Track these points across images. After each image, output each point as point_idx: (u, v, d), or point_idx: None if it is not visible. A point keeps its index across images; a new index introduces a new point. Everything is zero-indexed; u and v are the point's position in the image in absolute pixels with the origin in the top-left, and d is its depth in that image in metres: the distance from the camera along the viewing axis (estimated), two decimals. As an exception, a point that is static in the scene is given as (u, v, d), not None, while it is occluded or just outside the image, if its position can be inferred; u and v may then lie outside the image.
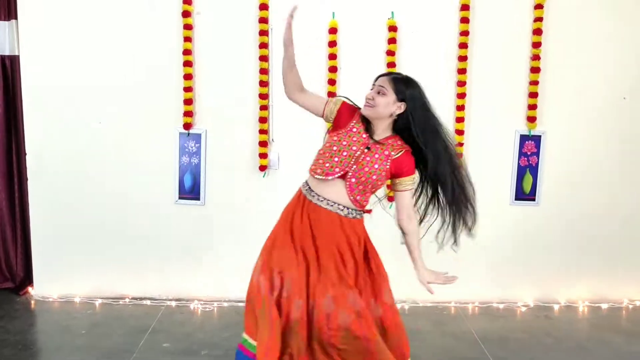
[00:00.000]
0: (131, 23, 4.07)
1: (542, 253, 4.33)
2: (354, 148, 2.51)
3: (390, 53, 4.08)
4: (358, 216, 2.60)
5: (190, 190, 4.22)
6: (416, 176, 2.62)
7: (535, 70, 4.08)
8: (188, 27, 4.04)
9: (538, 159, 4.20)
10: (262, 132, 4.13)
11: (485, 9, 4.07)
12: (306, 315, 2.45)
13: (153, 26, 4.07)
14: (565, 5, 4.08)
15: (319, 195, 2.54)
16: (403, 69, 4.08)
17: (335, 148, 2.52)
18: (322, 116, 2.64)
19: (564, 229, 4.32)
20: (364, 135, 2.53)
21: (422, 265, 2.75)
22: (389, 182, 2.65)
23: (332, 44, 4.06)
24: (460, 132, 4.13)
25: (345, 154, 2.50)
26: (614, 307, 4.34)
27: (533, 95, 4.11)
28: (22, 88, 4.12)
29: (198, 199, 4.23)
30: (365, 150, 2.50)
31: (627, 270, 4.38)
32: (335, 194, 2.52)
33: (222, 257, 4.28)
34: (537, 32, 4.04)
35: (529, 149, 4.20)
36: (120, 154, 4.17)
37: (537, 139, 4.19)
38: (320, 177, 2.51)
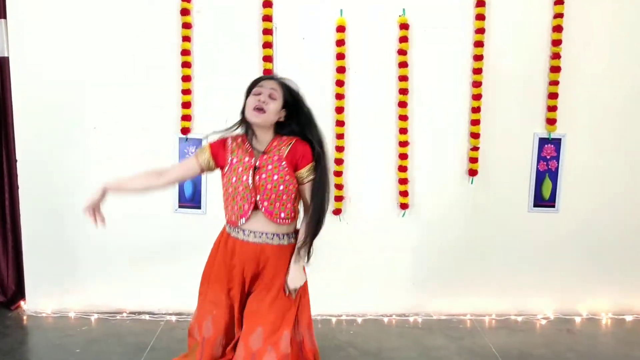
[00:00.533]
0: (127, 22, 3.85)
1: (562, 262, 4.11)
2: (244, 178, 2.39)
3: (402, 52, 3.86)
4: (291, 239, 2.49)
5: (190, 199, 4.01)
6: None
7: (555, 69, 3.86)
8: (187, 25, 3.82)
9: (558, 163, 3.99)
10: None
11: (503, 5, 3.85)
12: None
13: (150, 25, 3.85)
14: (587, 1, 3.85)
15: (244, 230, 2.44)
16: (415, 68, 3.90)
17: (230, 190, 2.43)
18: (203, 171, 2.52)
19: (585, 237, 4.11)
20: (246, 159, 2.41)
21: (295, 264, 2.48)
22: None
23: (340, 42, 3.84)
24: (475, 136, 3.92)
25: (241, 188, 2.39)
26: (639, 319, 4.12)
27: (553, 96, 3.89)
28: (12, 91, 3.90)
29: (199, 207, 4.02)
30: (257, 171, 2.38)
31: (653, 279, 4.16)
32: (259, 226, 2.43)
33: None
34: (557, 29, 3.82)
35: (548, 152, 3.98)
36: (117, 160, 3.95)
37: (556, 143, 3.97)
38: (239, 222, 2.42)
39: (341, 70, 3.85)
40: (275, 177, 2.37)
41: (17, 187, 4.00)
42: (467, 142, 3.98)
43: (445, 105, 3.94)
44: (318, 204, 2.42)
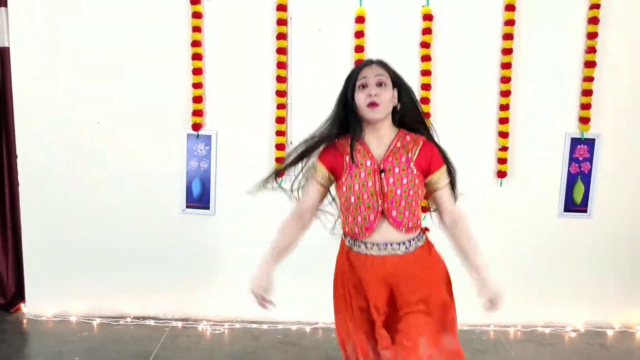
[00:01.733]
0: (133, 10, 3.68)
1: (593, 271, 3.87)
2: (369, 184, 2.12)
3: (425, 45, 3.63)
4: (419, 242, 2.21)
5: (199, 198, 3.82)
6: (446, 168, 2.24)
7: (590, 64, 3.61)
8: (197, 15, 3.63)
9: (591, 165, 3.74)
10: (280, 133, 3.71)
11: (535, -6, 3.60)
12: None
13: (158, 14, 3.67)
14: (626, -10, 3.61)
15: (367, 243, 2.17)
16: (439, 62, 3.70)
17: (353, 199, 2.14)
18: (328, 187, 2.27)
19: (618, 244, 3.86)
20: (368, 162, 2.14)
21: (483, 274, 2.22)
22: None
23: (359, 34, 3.61)
24: (504, 135, 3.68)
25: (366, 196, 2.12)
26: (676, 333, 3.87)
27: (587, 93, 3.64)
28: (12, 83, 3.74)
29: (207, 207, 3.83)
30: (382, 176, 2.12)
31: (690, 291, 3.89)
32: (384, 237, 2.15)
33: (234, 273, 3.81)
34: (593, 20, 3.57)
35: (581, 154, 3.74)
36: (122, 157, 3.79)
37: (590, 143, 3.72)
38: (364, 236, 2.15)
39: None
40: (405, 180, 2.10)
41: (17, 185, 3.84)
42: (495, 142, 3.75)
43: (471, 102, 3.71)
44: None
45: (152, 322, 3.83)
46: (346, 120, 2.20)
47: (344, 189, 2.15)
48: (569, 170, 3.76)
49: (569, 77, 3.68)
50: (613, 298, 3.89)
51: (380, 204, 2.11)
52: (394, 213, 2.11)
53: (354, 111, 2.16)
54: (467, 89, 3.70)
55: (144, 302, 3.90)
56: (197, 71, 3.66)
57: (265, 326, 3.82)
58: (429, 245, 2.28)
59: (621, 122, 3.73)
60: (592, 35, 3.59)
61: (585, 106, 3.66)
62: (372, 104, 2.08)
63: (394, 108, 2.18)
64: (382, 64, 2.20)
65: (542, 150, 3.76)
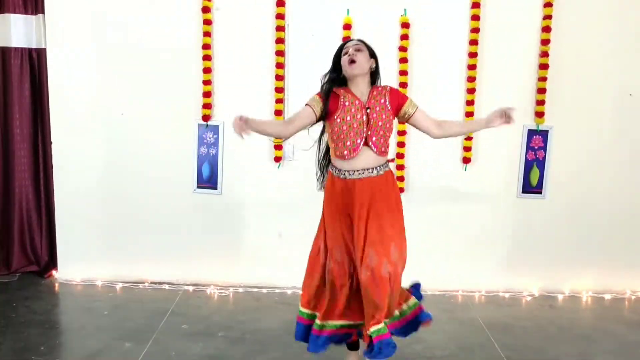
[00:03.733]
0: (153, 18, 4.23)
1: (547, 244, 4.44)
2: (358, 116, 2.83)
3: (403, 49, 4.20)
4: (386, 168, 2.94)
5: (208, 180, 4.37)
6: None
7: (543, 66, 4.19)
8: (207, 22, 4.19)
9: (545, 153, 4.31)
10: None
11: (496, 6, 4.18)
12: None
13: (174, 21, 4.22)
14: (573, 3, 4.17)
15: (349, 171, 2.86)
16: (415, 64, 4.23)
17: (345, 127, 2.83)
18: (318, 119, 2.90)
19: (569, 222, 4.43)
20: (357, 102, 2.85)
21: (482, 118, 3.07)
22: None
23: (347, 39, 4.15)
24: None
25: (355, 125, 2.82)
26: (617, 298, 4.45)
27: (541, 91, 4.22)
28: (48, 80, 4.29)
29: (215, 188, 4.38)
30: (368, 111, 2.84)
31: (630, 261, 4.49)
32: (364, 161, 2.86)
33: (238, 244, 4.44)
34: (546, 29, 4.15)
35: (537, 143, 4.30)
36: (142, 144, 4.33)
37: (544, 134, 4.29)
38: (351, 155, 2.83)
39: None
40: (383, 115, 2.86)
41: (51, 167, 4.39)
42: (461, 133, 4.30)
43: (442, 97, 4.26)
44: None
45: (166, 287, 4.41)
46: (338, 79, 2.93)
47: (338, 120, 2.83)
48: (526, 157, 4.33)
49: (526, 77, 4.25)
50: (564, 268, 4.46)
51: (364, 130, 2.82)
52: (374, 138, 2.84)
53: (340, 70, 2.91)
54: (439, 86, 4.28)
55: (159, 269, 4.46)
56: (207, 70, 4.22)
57: (265, 290, 4.40)
58: (391, 172, 2.99)
59: (570, 116, 4.29)
60: (545, 42, 4.16)
61: (540, 102, 4.23)
62: (351, 61, 2.83)
63: (372, 71, 2.94)
64: (361, 40, 2.97)
65: (502, 139, 4.30)
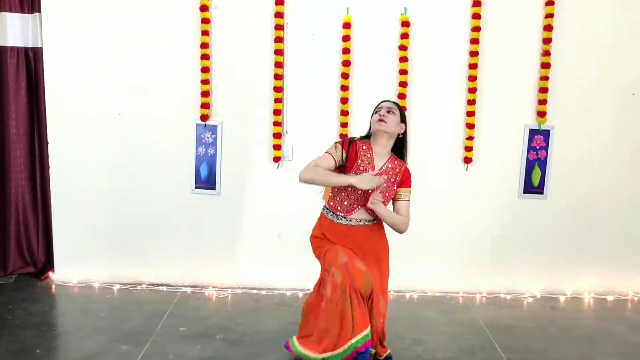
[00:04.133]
0: (151, 17, 4.18)
1: (549, 245, 4.40)
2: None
3: (403, 48, 4.16)
4: (377, 220, 3.08)
5: (206, 180, 4.33)
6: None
7: (545, 65, 4.15)
8: (206, 21, 4.14)
9: (547, 153, 4.27)
10: (276, 124, 4.22)
11: (497, 5, 4.14)
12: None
13: (172, 20, 4.17)
14: (575, 1, 4.14)
15: (347, 217, 3.04)
16: (415, 63, 4.19)
17: (350, 188, 2.95)
18: (336, 166, 2.99)
19: (571, 222, 4.40)
20: (369, 170, 2.96)
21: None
22: None
23: (346, 38, 4.15)
24: (471, 126, 4.21)
25: (360, 192, 2.96)
26: (619, 299, 4.42)
27: (543, 90, 4.18)
28: (45, 79, 4.24)
29: (214, 188, 4.33)
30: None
31: (633, 262, 4.46)
32: (357, 216, 3.05)
33: (236, 245, 4.40)
34: (548, 28, 4.11)
35: (538, 143, 4.27)
36: (139, 144, 4.28)
37: (546, 134, 4.25)
38: (341, 214, 3.03)
39: (346, 63, 4.16)
40: (387, 194, 3.00)
41: (48, 168, 4.34)
42: (463, 132, 4.27)
43: (442, 97, 4.23)
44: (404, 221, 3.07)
45: (164, 288, 4.35)
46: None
47: (352, 173, 2.95)
48: (527, 157, 4.29)
49: (527, 77, 4.21)
50: (565, 268, 4.43)
51: (365, 201, 2.95)
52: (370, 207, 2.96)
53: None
54: (439, 86, 4.24)
55: (157, 270, 4.41)
56: (205, 69, 4.17)
57: (263, 292, 4.36)
58: (382, 224, 3.13)
59: (572, 116, 4.26)
60: (547, 41, 4.13)
61: (542, 102, 4.19)
62: (380, 120, 2.98)
63: (397, 137, 3.08)
64: (395, 103, 3.12)
65: (504, 139, 4.28)
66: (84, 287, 4.38)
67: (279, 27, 4.14)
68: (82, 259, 4.41)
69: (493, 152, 4.29)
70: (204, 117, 4.24)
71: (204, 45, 4.16)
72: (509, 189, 4.36)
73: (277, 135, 4.23)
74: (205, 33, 4.15)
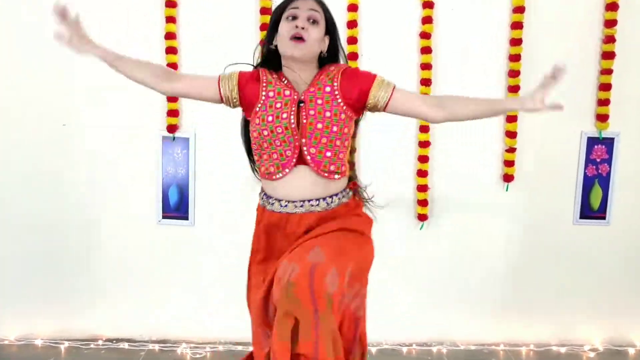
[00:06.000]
0: (103, 4, 3.32)
1: (613, 283, 3.54)
2: (284, 115, 1.93)
3: (425, 35, 3.29)
4: (343, 197, 2.03)
5: (176, 208, 3.47)
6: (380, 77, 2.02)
7: (608, 55, 3.27)
8: (171, 4, 3.28)
9: (610, 167, 3.41)
10: None
11: (546, -23, 3.27)
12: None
13: (127, 2, 3.31)
14: (647, -27, 3.26)
15: (280, 201, 2.00)
16: (440, 55, 3.35)
17: (266, 133, 1.95)
18: (221, 101, 2.07)
19: (640, 254, 3.53)
20: (286, 92, 1.95)
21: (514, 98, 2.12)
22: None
23: (352, 24, 3.27)
24: (512, 135, 3.34)
25: (280, 130, 1.93)
26: None
27: (605, 87, 3.30)
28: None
29: (186, 218, 3.48)
30: (301, 106, 1.93)
31: None
32: (300, 187, 1.97)
33: (216, 289, 3.53)
34: (612, 6, 3.22)
35: (599, 155, 3.40)
36: (90, 163, 3.43)
37: (608, 143, 3.39)
38: (279, 174, 1.96)
39: (353, 57, 3.28)
40: (328, 113, 1.92)
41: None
42: (501, 142, 3.41)
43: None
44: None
45: (126, 345, 3.47)
46: (271, 55, 2.02)
47: (257, 121, 1.96)
48: (585, 173, 3.42)
49: (584, 70, 3.33)
50: (634, 314, 3.55)
51: (296, 138, 1.92)
52: (312, 150, 1.93)
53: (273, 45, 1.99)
54: (471, 83, 3.34)
55: (117, 322, 3.54)
56: (171, 66, 3.28)
57: (251, 347, 3.46)
58: (356, 204, 2.10)
59: (643, 120, 3.39)
60: (610, 23, 3.24)
61: (603, 102, 3.32)
62: (297, 38, 1.89)
63: (320, 54, 1.99)
64: (320, 1, 2.00)
65: (554, 151, 3.42)
66: (23, 345, 3.48)
67: (265, 11, 3.26)
68: (21, 310, 3.53)
69: (541, 167, 3.44)
70: (172, 128, 3.37)
71: (170, 36, 3.29)
72: (562, 214, 3.48)
73: (265, 150, 3.34)
74: (170, 19, 3.29)
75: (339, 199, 2.01)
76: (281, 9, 1.98)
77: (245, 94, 2.00)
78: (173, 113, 3.35)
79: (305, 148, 1.93)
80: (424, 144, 3.36)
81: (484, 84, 3.34)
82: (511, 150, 3.37)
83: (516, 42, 3.27)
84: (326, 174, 1.95)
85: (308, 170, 1.95)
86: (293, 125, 1.92)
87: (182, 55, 3.36)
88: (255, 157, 2.07)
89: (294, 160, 1.94)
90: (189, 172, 3.43)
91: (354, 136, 2.10)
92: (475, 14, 3.32)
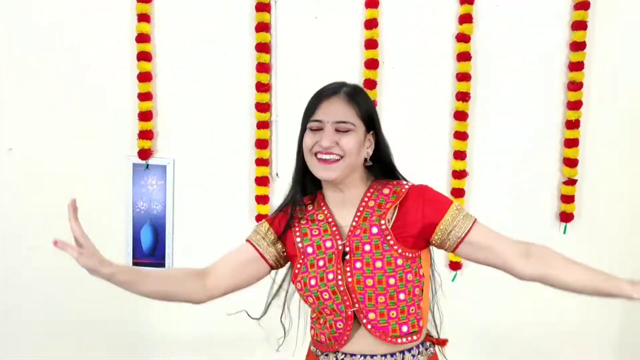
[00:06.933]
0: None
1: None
2: (330, 276, 1.47)
3: (463, 38, 2.67)
4: (421, 356, 1.53)
5: (150, 252, 2.89)
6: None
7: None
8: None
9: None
10: (261, 162, 2.77)
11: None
12: None
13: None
14: None
15: (337, 353, 1.53)
16: (481, 62, 2.73)
17: (311, 299, 1.50)
18: (272, 268, 1.60)
19: None
20: (327, 244, 1.49)
21: (617, 280, 1.50)
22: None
23: (371, 24, 2.66)
24: (572, 163, 2.70)
25: (326, 295, 1.47)
26: None
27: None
28: None
29: (162, 264, 2.87)
30: (347, 259, 1.46)
31: None
32: (366, 346, 1.49)
33: (199, 351, 2.90)
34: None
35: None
36: (43, 196, 2.84)
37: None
38: (331, 346, 1.52)
39: (372, 64, 2.68)
40: (379, 263, 1.44)
41: None
42: (558, 173, 2.77)
43: (525, 118, 2.75)
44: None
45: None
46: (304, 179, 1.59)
47: (299, 285, 1.52)
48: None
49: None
50: None
51: (348, 304, 1.46)
52: (371, 316, 1.46)
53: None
54: (520, 99, 2.74)
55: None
56: (144, 76, 2.73)
57: None
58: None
59: None
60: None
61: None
62: (324, 159, 1.46)
63: (365, 160, 1.54)
64: (351, 96, 1.50)
65: (624, 183, 2.78)
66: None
67: (261, 7, 2.68)
68: None
69: (604, 204, 2.79)
70: (145, 154, 2.77)
71: (142, 38, 2.70)
72: (632, 260, 2.79)
73: (262, 181, 2.77)
74: (143, 17, 2.73)
75: (412, 356, 1.50)
76: (305, 116, 1.54)
77: (286, 246, 1.58)
78: (146, 134, 2.76)
79: (361, 315, 1.46)
80: (459, 175, 2.74)
81: (534, 98, 2.72)
82: (570, 182, 2.72)
83: (578, 46, 2.62)
84: (399, 341, 1.48)
85: (370, 337, 1.48)
86: (342, 288, 1.45)
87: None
88: (311, 315, 1.62)
89: (348, 333, 1.48)
90: (166, 207, 2.85)
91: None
92: (526, 10, 2.69)
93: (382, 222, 1.46)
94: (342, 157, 1.45)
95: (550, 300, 2.72)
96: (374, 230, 1.46)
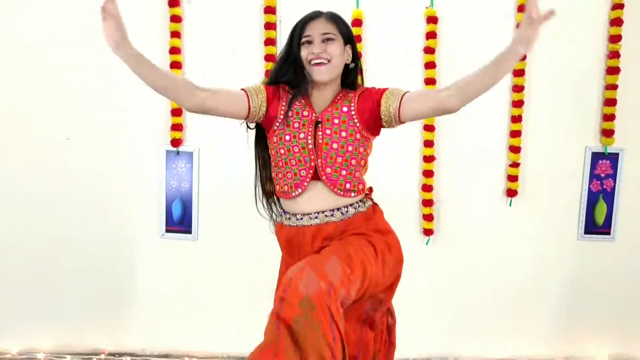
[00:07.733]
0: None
1: (619, 299, 3.48)
2: (301, 135, 1.96)
3: (429, 50, 3.28)
4: (360, 207, 2.03)
5: (179, 222, 3.44)
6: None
7: (612, 71, 3.26)
8: (176, 19, 3.26)
9: (614, 182, 3.38)
10: None
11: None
12: None
13: (131, 17, 3.26)
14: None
15: (296, 215, 2.02)
16: (444, 70, 3.31)
17: (283, 151, 1.99)
18: (247, 116, 2.03)
19: (645, 269, 3.47)
20: (304, 112, 1.99)
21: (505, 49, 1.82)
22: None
23: (356, 39, 3.20)
24: (516, 150, 3.32)
25: (297, 149, 1.96)
26: None
27: (610, 102, 3.29)
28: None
29: (190, 232, 3.44)
30: (319, 126, 1.96)
31: None
32: (315, 202, 1.99)
33: (220, 302, 3.49)
34: (617, 22, 3.22)
35: (603, 170, 3.38)
36: (93, 177, 3.39)
37: (613, 158, 3.37)
38: (293, 193, 1.98)
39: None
40: (344, 133, 1.95)
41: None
42: (505, 157, 3.39)
43: (479, 113, 3.29)
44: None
45: (128, 359, 3.45)
46: (294, 75, 2.01)
47: (275, 139, 2.00)
48: (589, 188, 3.39)
49: (589, 85, 3.33)
50: (640, 329, 3.51)
51: (312, 159, 1.95)
52: (328, 170, 1.96)
53: (300, 66, 1.99)
54: (476, 100, 3.33)
55: (119, 336, 3.49)
56: (175, 66, 3.26)
57: (254, 363, 3.43)
58: (375, 211, 2.08)
59: (649, 135, 3.36)
60: (615, 39, 3.23)
61: (608, 117, 3.30)
62: (318, 61, 1.94)
63: (346, 67, 2.04)
64: (330, 16, 2.03)
65: (558, 166, 3.39)
66: (26, 359, 3.45)
67: (269, 26, 3.26)
68: (23, 322, 3.48)
69: (545, 182, 3.40)
70: (176, 142, 3.35)
71: (174, 50, 3.27)
72: (566, 229, 3.44)
73: (269, 164, 3.32)
74: (175, 34, 3.27)
75: (354, 208, 2.00)
76: (297, 35, 2.00)
77: (270, 110, 2.01)
78: (177, 127, 3.33)
79: (320, 168, 1.95)
80: (429, 159, 3.34)
81: (486, 98, 3.30)
82: (515, 164, 3.34)
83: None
84: (342, 192, 1.98)
85: (323, 186, 1.97)
86: (310, 146, 1.95)
87: (186, 54, 3.33)
88: (273, 175, 2.09)
89: (308, 180, 1.96)
90: (193, 186, 3.41)
91: None
92: (478, 30, 3.29)
93: (352, 104, 1.97)
94: (329, 60, 1.94)
95: (509, 261, 3.38)
96: (344, 109, 1.97)
